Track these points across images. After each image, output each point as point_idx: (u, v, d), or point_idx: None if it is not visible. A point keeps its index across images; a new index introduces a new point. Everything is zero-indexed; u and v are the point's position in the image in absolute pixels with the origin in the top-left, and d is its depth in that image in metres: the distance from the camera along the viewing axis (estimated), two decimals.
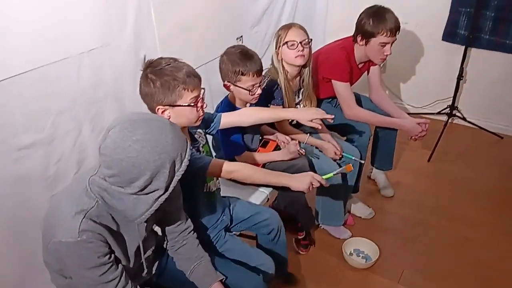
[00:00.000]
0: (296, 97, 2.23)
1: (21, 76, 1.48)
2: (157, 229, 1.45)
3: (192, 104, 1.41)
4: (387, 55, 2.23)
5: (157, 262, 1.43)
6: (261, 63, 1.81)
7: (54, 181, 1.70)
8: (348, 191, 2.36)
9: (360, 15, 2.23)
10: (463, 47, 3.02)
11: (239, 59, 1.76)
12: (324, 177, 1.58)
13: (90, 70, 1.73)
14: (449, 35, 3.14)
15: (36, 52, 1.51)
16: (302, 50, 2.03)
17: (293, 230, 2.21)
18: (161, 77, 1.36)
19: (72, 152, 1.75)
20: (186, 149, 1.12)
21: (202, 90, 1.44)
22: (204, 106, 1.47)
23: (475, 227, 2.40)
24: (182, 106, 1.39)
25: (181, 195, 1.38)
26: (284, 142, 2.06)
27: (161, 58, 1.42)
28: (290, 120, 2.20)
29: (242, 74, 1.76)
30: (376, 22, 2.14)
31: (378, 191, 2.70)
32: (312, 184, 1.54)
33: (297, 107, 2.24)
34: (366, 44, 2.21)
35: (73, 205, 1.09)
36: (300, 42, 2.02)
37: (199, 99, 1.43)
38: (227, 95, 1.92)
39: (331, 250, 2.26)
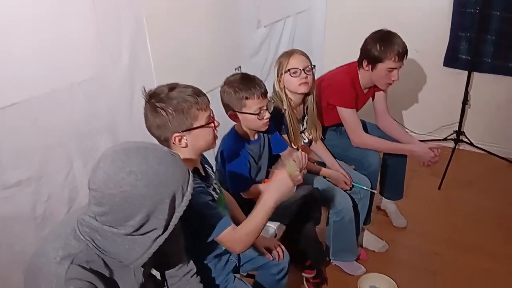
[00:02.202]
0: (301, 126, 2.13)
1: (8, 108, 1.37)
2: (156, 272, 1.30)
3: (208, 123, 1.32)
4: (394, 81, 2.15)
5: None
6: (264, 85, 1.72)
7: (43, 222, 1.57)
8: (360, 223, 2.21)
9: (366, 39, 2.17)
10: (466, 71, 2.96)
11: (241, 84, 1.67)
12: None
13: (82, 102, 1.63)
14: (451, 60, 3.09)
15: (24, 83, 1.41)
16: (306, 77, 1.94)
17: (302, 268, 2.04)
18: (171, 102, 1.26)
19: (63, 189, 1.63)
20: (188, 181, 1.00)
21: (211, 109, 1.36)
22: (218, 124, 1.38)
23: (492, 257, 2.26)
24: (201, 127, 1.30)
25: (182, 234, 1.24)
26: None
27: (161, 85, 1.33)
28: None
29: (247, 98, 1.67)
30: (383, 47, 2.07)
31: (389, 222, 2.55)
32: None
33: (302, 136, 2.13)
34: (372, 69, 2.14)
35: (58, 249, 0.95)
36: (303, 69, 1.94)
37: (212, 118, 1.35)
38: (234, 127, 1.81)
39: None
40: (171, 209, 0.96)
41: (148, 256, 0.99)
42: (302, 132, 2.14)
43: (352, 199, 2.09)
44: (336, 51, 3.48)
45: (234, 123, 1.79)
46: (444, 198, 2.79)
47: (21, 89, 1.40)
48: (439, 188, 2.85)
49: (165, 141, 1.31)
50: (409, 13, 3.10)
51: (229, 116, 1.74)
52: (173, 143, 1.30)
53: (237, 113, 1.70)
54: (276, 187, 1.36)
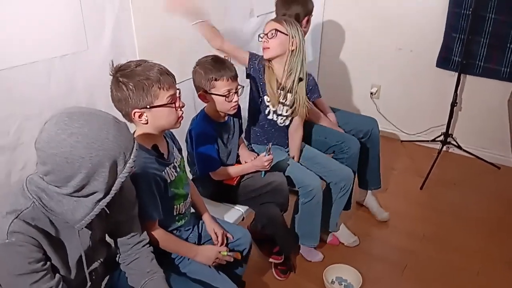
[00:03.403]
0: (283, 98, 2.07)
1: None
2: (111, 241, 1.35)
3: (170, 103, 1.34)
4: None
5: (107, 276, 1.33)
6: (235, 69, 1.75)
7: None
8: (327, 211, 2.21)
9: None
10: (458, 73, 2.96)
11: (212, 65, 1.72)
12: (222, 253, 1.58)
13: (61, 76, 1.68)
14: (443, 61, 3.09)
15: (3, 54, 1.46)
16: (267, 42, 1.96)
17: (270, 254, 2.08)
18: (133, 79, 1.29)
19: None
20: (132, 149, 1.04)
21: (178, 90, 1.38)
22: (182, 105, 1.40)
23: (468, 256, 2.27)
24: (159, 106, 1.32)
25: (136, 205, 1.29)
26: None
27: (130, 61, 1.36)
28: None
29: (216, 80, 1.71)
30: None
31: (367, 217, 2.58)
32: (216, 260, 1.55)
33: (281, 108, 2.09)
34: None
35: (6, 205, 1.01)
36: (266, 34, 1.95)
37: (176, 98, 1.37)
38: (204, 108, 1.86)
39: (311, 277, 2.12)
40: (113, 174, 1.01)
41: (90, 218, 1.03)
42: (283, 104, 2.09)
43: (329, 187, 2.13)
44: (333, 48, 3.50)
45: None
46: (426, 197, 2.80)
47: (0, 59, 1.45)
48: (421, 188, 2.86)
49: (126, 116, 1.35)
50: (405, 13, 3.10)
51: (199, 96, 1.78)
52: (133, 119, 1.34)
53: (206, 94, 1.74)
54: (203, 254, 1.53)
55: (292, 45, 1.97)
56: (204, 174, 1.82)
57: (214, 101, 1.75)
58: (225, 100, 1.72)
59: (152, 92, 1.30)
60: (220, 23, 2.43)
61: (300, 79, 2.03)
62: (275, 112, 2.10)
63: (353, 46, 3.44)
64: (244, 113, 2.13)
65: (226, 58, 1.84)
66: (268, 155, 1.83)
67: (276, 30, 1.95)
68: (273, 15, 2.91)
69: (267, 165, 1.84)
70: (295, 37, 1.97)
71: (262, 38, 1.99)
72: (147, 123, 1.36)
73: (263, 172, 1.89)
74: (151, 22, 1.99)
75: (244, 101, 2.11)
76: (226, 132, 1.87)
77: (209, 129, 1.79)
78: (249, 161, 1.93)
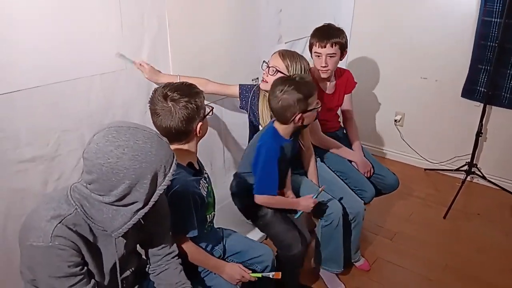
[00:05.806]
0: None
1: (31, 90, 1.52)
2: (142, 251, 1.40)
3: (210, 110, 1.50)
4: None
5: (137, 285, 1.37)
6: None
7: None
8: (351, 237, 2.21)
9: (344, 34, 2.26)
10: (483, 104, 2.96)
11: None
12: (252, 275, 1.57)
13: (100, 93, 1.77)
14: (468, 92, 3.10)
15: (48, 69, 1.56)
16: (265, 74, 1.98)
17: None
18: (192, 96, 1.40)
19: (73, 171, 1.75)
20: (172, 163, 1.10)
21: None
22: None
23: None
24: (208, 114, 1.48)
25: (169, 217, 1.34)
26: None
27: (163, 87, 1.44)
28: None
29: None
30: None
31: (389, 244, 2.57)
32: (241, 280, 1.55)
33: None
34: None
35: (50, 209, 1.07)
36: (268, 67, 1.96)
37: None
38: (273, 122, 1.86)
39: None
40: (153, 185, 1.07)
41: (128, 227, 1.09)
42: None
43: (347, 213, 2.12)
44: (358, 75, 3.54)
45: None
46: (449, 227, 2.77)
47: (45, 75, 1.55)
48: (444, 217, 2.83)
49: (186, 134, 1.44)
50: (430, 44, 3.14)
51: None
52: (195, 133, 1.45)
53: None
54: (227, 272, 1.53)
55: None
56: (260, 193, 1.82)
57: None
58: None
59: (203, 103, 1.45)
60: (248, 45, 2.53)
61: None
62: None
63: (378, 73, 3.49)
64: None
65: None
66: (316, 197, 1.84)
67: (277, 70, 1.93)
68: (301, 42, 3.00)
69: (312, 207, 1.86)
70: None
71: (264, 69, 1.99)
72: (199, 134, 1.47)
73: (298, 214, 1.89)
74: (186, 48, 2.08)
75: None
76: (285, 153, 1.85)
77: (277, 148, 1.78)
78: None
